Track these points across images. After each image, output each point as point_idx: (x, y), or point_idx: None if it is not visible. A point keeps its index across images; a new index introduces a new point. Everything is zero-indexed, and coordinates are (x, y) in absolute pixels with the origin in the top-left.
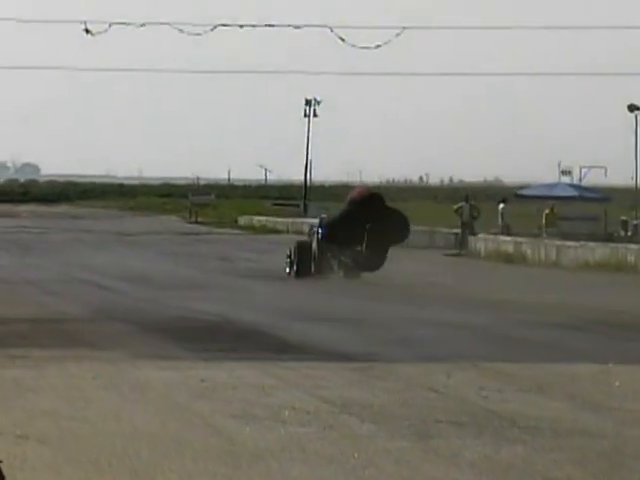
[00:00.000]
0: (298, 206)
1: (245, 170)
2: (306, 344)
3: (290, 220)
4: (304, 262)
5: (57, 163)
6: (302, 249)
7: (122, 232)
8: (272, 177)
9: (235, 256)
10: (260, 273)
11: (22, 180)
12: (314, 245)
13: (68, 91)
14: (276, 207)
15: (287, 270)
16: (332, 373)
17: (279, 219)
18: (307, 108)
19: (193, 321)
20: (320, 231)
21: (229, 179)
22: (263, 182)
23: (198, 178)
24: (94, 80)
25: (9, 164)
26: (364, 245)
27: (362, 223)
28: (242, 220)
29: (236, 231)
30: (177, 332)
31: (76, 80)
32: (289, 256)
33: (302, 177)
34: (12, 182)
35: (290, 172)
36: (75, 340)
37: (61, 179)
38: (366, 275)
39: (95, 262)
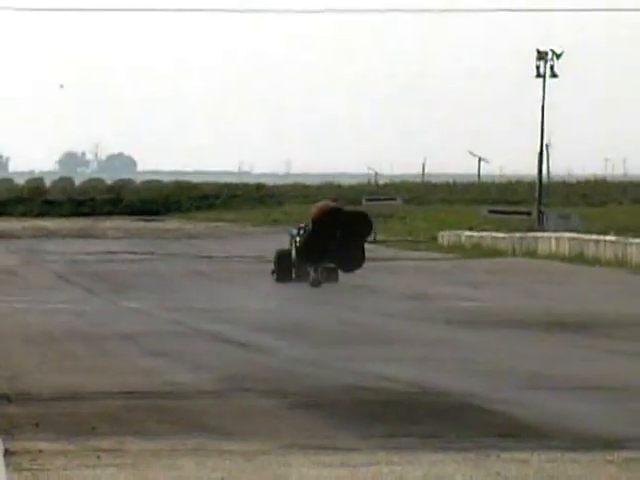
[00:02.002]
0: (530, 214)
1: (443, 160)
2: (545, 423)
3: (517, 235)
4: (284, 269)
5: (161, 155)
6: (282, 257)
7: (261, 258)
8: (488, 170)
9: (434, 292)
10: (473, 317)
11: (110, 181)
12: (293, 253)
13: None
14: (495, 216)
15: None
16: (590, 470)
17: (500, 234)
18: (540, 64)
19: (371, 392)
20: (296, 243)
21: (423, 174)
22: (475, 178)
23: (376, 174)
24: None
25: (89, 156)
26: (336, 256)
27: (329, 237)
28: (444, 237)
29: (436, 254)
30: (347, 409)
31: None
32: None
33: (534, 170)
34: (95, 183)
35: (515, 162)
36: (193, 424)
37: (168, 178)
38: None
39: (222, 305)
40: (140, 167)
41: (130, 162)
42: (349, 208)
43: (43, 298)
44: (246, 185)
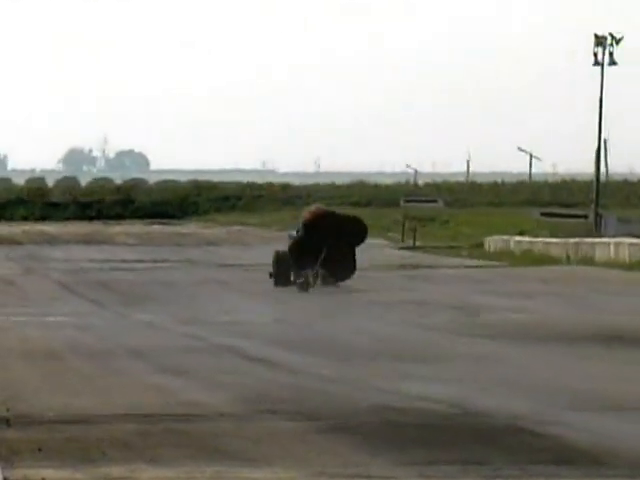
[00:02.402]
0: (586, 217)
1: (490, 157)
2: (600, 449)
3: (572, 241)
4: (282, 272)
5: (176, 152)
6: (281, 260)
7: None
8: (539, 168)
9: (478, 304)
10: (522, 331)
11: (119, 180)
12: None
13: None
14: (548, 219)
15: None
16: None
17: (553, 240)
18: (597, 51)
19: (407, 414)
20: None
21: (467, 173)
22: (525, 177)
23: (416, 172)
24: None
25: (96, 153)
26: (328, 261)
27: (321, 242)
28: (490, 243)
29: (481, 262)
30: (381, 433)
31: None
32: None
33: (591, 168)
34: (103, 183)
35: (570, 160)
36: (211, 449)
37: (184, 177)
38: None
39: (243, 317)
40: (153, 165)
41: (142, 160)
42: (343, 213)
43: (45, 310)
44: (271, 185)
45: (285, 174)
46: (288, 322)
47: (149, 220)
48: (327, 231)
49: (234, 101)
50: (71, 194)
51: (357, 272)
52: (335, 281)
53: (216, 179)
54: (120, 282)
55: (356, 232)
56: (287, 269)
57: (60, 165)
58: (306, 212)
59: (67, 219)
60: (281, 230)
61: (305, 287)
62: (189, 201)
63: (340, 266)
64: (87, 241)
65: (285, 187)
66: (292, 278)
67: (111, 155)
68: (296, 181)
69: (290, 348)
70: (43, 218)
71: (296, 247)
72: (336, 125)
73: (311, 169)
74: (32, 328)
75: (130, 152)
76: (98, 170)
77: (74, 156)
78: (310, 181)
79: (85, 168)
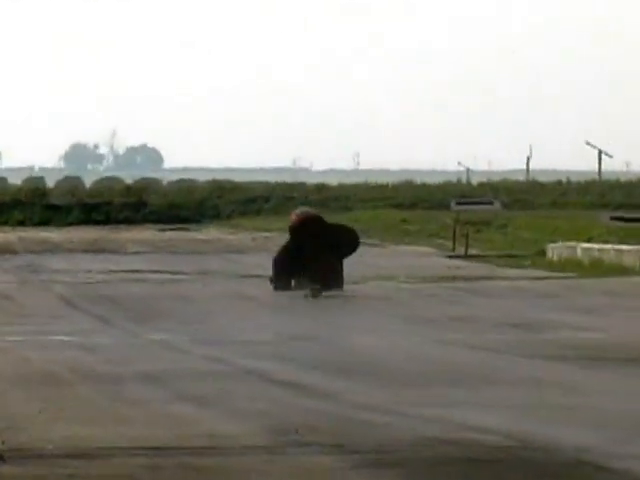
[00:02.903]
0: None
1: (553, 153)
2: None
3: None
4: (282, 277)
5: (194, 148)
6: (279, 263)
7: None
8: (610, 165)
9: (540, 320)
10: (590, 352)
11: (130, 180)
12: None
13: None
14: (620, 224)
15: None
16: None
17: (626, 247)
18: None
19: (457, 447)
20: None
21: (527, 171)
22: (594, 175)
23: (469, 170)
24: None
25: (103, 148)
26: (314, 270)
27: (305, 250)
28: (555, 251)
29: (543, 272)
30: (427, 469)
31: None
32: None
33: None
34: (111, 182)
35: None
36: None
37: (203, 177)
38: None
39: (269, 335)
40: (167, 163)
41: (155, 156)
42: (334, 221)
43: (46, 328)
44: (303, 185)
45: (320, 173)
46: (320, 340)
47: (164, 225)
48: (315, 237)
49: (259, 92)
50: (74, 195)
51: (396, 284)
52: (321, 291)
53: (239, 178)
54: (131, 296)
55: (347, 242)
56: (287, 274)
57: (61, 163)
58: (293, 215)
59: (70, 224)
60: None
61: (317, 293)
62: (209, 204)
63: (328, 276)
64: (93, 249)
65: (320, 187)
66: (293, 284)
67: (120, 151)
68: (333, 180)
69: (324, 370)
70: (42, 223)
71: (283, 254)
72: (377, 117)
73: (349, 166)
74: (31, 349)
75: (142, 148)
76: (105, 168)
77: (77, 152)
78: (347, 180)
79: (90, 166)
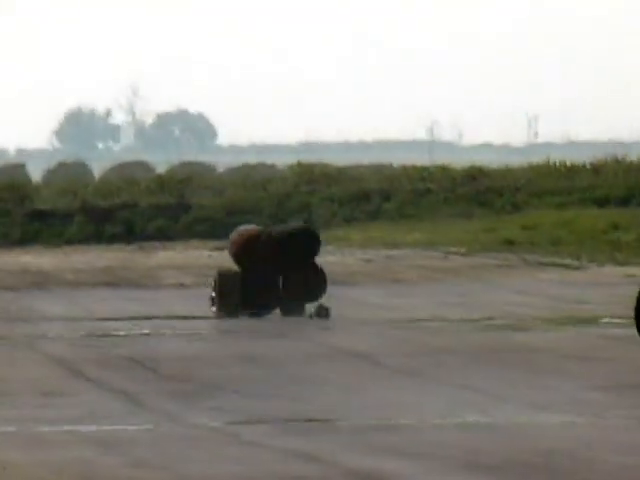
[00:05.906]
0: None
1: None
2: None
3: None
4: (228, 297)
5: (260, 117)
6: (224, 281)
7: (488, 323)
8: None
9: None
10: None
11: (161, 167)
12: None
13: None
14: None
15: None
16: None
17: None
18: None
19: None
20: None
21: None
22: None
23: None
24: None
25: (118, 117)
26: (286, 288)
27: (262, 274)
28: None
29: None
30: None
31: None
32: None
33: None
34: (133, 170)
35: None
36: None
37: (281, 158)
38: None
39: (392, 417)
40: (222, 138)
41: (203, 127)
42: (280, 228)
43: (38, 414)
44: (446, 170)
45: (469, 148)
46: (489, 424)
47: (219, 241)
48: (269, 253)
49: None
50: (76, 194)
51: (602, 329)
52: (302, 309)
53: (338, 160)
54: (168, 357)
55: (305, 245)
56: (234, 292)
57: (54, 141)
58: (234, 236)
59: (69, 241)
60: (467, 254)
61: (324, 313)
62: (292, 202)
63: (301, 289)
64: (107, 282)
65: (474, 172)
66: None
67: (146, 120)
68: (491, 160)
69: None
70: (24, 241)
71: (241, 287)
72: (554, 80)
73: (518, 142)
74: (15, 447)
75: (181, 115)
76: (123, 148)
77: (79, 124)
78: (517, 160)
79: (101, 145)
